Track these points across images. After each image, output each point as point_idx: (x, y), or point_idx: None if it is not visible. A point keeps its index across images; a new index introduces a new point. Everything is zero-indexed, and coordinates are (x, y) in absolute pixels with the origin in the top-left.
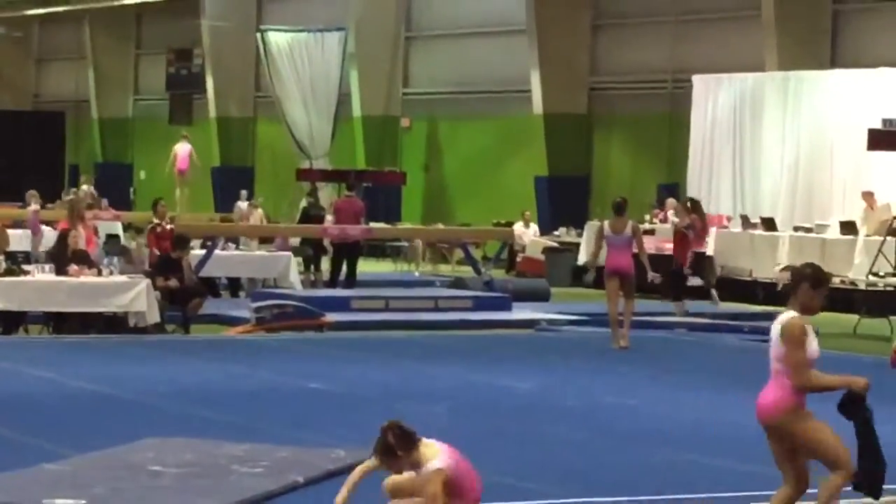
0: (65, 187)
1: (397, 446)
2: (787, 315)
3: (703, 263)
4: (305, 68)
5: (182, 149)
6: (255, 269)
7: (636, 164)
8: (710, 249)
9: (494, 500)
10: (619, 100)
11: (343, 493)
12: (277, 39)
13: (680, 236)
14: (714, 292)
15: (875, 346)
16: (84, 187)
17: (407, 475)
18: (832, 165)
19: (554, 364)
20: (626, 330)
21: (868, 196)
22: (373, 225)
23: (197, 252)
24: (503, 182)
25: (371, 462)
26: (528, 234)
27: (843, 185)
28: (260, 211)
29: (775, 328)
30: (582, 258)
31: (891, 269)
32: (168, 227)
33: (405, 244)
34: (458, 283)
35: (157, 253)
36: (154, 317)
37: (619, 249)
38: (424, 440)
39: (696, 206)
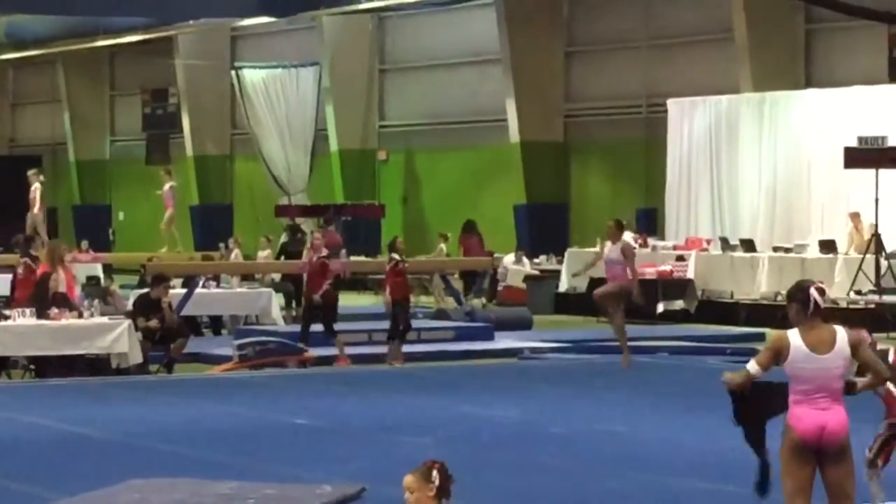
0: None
1: (438, 482)
2: (845, 330)
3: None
4: (281, 104)
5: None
6: (237, 306)
7: (614, 189)
8: (689, 272)
9: None
10: (595, 126)
11: None
12: (252, 76)
13: (318, 265)
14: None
15: None
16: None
17: None
18: (810, 185)
19: (538, 392)
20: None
21: (855, 217)
22: (353, 259)
23: (176, 291)
24: (482, 211)
25: None
26: (518, 265)
27: (821, 204)
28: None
29: (841, 346)
30: (563, 285)
31: (871, 287)
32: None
33: None
34: (440, 313)
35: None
36: (136, 357)
37: (615, 270)
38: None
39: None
